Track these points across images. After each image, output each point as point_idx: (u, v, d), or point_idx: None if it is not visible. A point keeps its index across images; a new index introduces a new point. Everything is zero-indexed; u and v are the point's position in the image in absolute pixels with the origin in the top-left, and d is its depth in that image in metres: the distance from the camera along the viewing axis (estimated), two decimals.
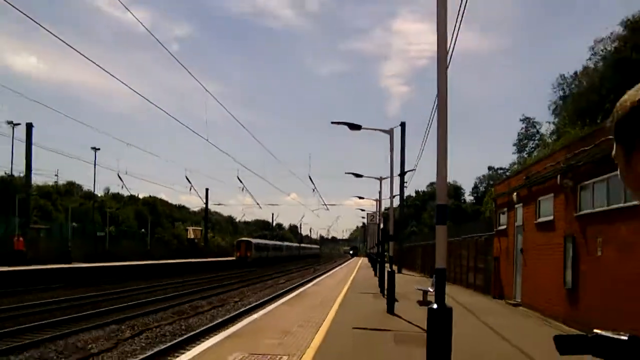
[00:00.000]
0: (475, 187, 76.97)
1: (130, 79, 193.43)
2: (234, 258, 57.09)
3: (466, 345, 9.02)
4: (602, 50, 36.42)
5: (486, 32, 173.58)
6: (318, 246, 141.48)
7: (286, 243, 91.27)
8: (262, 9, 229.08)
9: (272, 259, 64.82)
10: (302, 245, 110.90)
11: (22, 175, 37.93)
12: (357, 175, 28.29)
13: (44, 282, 24.79)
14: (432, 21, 6.04)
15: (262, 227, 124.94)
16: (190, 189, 72.80)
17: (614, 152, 1.02)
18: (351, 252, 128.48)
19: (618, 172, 1.02)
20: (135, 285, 26.40)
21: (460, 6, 8.76)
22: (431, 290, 15.13)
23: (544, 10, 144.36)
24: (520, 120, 51.09)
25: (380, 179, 26.94)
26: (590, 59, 38.00)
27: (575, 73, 40.68)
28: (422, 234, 56.25)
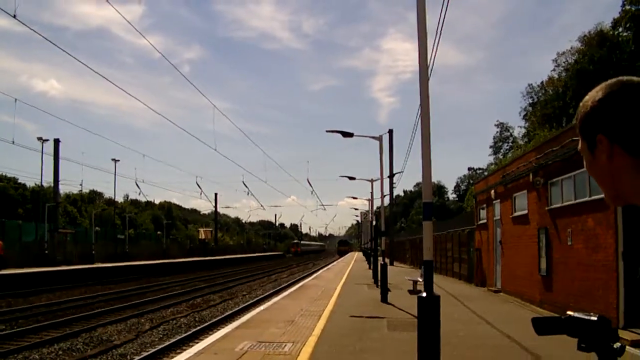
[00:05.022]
0: (457, 186, 77.18)
1: (147, 97, 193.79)
2: (290, 253, 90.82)
3: (453, 329, 9.01)
4: (564, 63, 36.72)
5: (463, 48, 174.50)
6: (324, 243, 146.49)
7: (312, 242, 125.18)
8: (264, 32, 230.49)
9: (307, 252, 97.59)
10: (318, 242, 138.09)
11: (51, 185, 37.73)
12: (351, 178, 28.31)
13: (70, 281, 24.64)
14: (415, 40, 6.04)
15: (266, 227, 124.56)
16: (201, 194, 73.03)
17: (579, 146, 1.02)
18: (340, 248, 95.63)
19: (584, 164, 1.02)
20: (152, 282, 26.28)
21: (439, 25, 8.80)
22: (420, 280, 15.12)
23: (511, 28, 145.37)
24: (495, 125, 51.40)
25: (372, 181, 27.00)
26: (554, 70, 38.30)
27: (542, 83, 40.95)
28: (411, 229, 56.19)
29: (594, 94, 0.97)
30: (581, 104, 1.00)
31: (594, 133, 0.95)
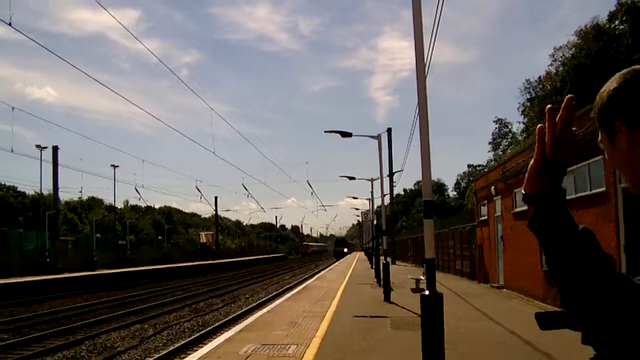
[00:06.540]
0: (457, 183, 77.15)
1: (146, 102, 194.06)
2: (299, 254, 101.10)
3: (457, 326, 9.01)
4: (561, 57, 36.73)
5: (460, 44, 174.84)
6: (326, 244, 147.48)
7: (317, 244, 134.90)
8: (261, 34, 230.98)
9: (315, 252, 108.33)
10: (322, 244, 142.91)
11: (50, 193, 37.73)
12: (351, 178, 28.34)
13: (72, 288, 24.63)
14: (411, 37, 6.05)
15: (267, 229, 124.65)
16: (201, 198, 72.98)
17: (599, 138, 1.04)
18: (337, 249, 77.26)
19: (605, 155, 1.04)
20: (155, 287, 26.25)
21: (435, 23, 8.82)
22: (423, 278, 15.10)
23: (507, 23, 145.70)
24: (494, 121, 51.38)
25: (372, 180, 27.00)
26: (551, 64, 38.30)
27: (540, 78, 40.95)
28: (412, 227, 56.19)
29: (609, 85, 0.99)
30: (597, 96, 1.02)
31: (613, 121, 0.97)
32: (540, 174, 1.01)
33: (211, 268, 45.57)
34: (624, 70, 0.99)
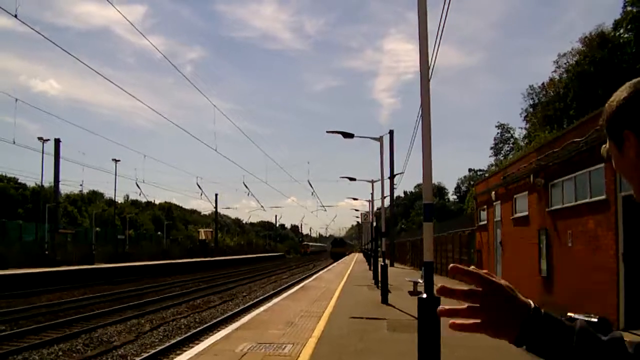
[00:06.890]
0: (458, 187, 77.13)
1: (150, 97, 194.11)
2: (299, 253, 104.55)
3: (453, 331, 8.99)
4: (565, 64, 36.71)
5: (464, 49, 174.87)
6: (326, 244, 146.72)
7: (317, 244, 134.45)
8: (266, 33, 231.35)
9: (314, 252, 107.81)
10: (321, 244, 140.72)
11: (51, 185, 37.73)
12: (351, 179, 28.34)
13: (71, 281, 24.65)
14: (416, 40, 6.04)
15: (267, 228, 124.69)
16: (201, 195, 73.00)
17: (607, 146, 1.04)
18: (334, 249, 74.49)
19: (613, 164, 1.04)
20: (153, 282, 26.27)
21: (439, 27, 8.80)
22: (421, 281, 15.09)
23: (512, 28, 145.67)
24: (496, 126, 51.38)
25: (372, 182, 27.02)
26: (555, 71, 38.29)
27: (543, 84, 40.95)
28: (411, 230, 56.18)
29: (619, 94, 1.00)
30: (606, 105, 1.03)
31: (622, 130, 0.97)
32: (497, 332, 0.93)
33: (209, 265, 45.58)
34: (635, 80, 0.99)
